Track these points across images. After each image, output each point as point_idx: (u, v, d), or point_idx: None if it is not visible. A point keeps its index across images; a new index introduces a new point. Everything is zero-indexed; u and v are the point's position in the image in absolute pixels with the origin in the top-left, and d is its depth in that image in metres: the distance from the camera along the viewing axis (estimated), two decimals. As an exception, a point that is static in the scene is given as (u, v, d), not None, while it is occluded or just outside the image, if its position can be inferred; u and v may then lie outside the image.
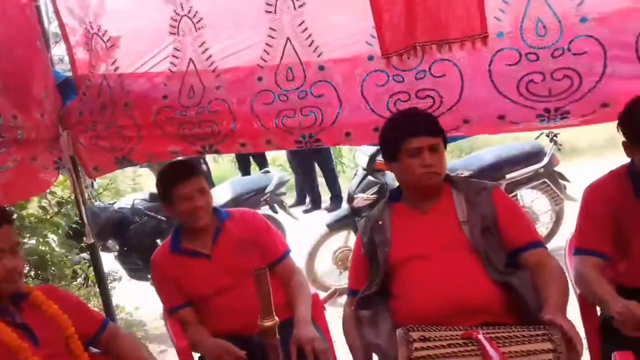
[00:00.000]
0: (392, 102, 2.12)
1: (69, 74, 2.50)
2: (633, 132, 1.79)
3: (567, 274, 1.89)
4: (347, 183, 7.89)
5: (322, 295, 2.56)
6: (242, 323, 2.15)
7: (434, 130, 1.91)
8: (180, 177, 2.19)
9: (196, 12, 2.23)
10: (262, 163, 6.79)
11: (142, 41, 2.36)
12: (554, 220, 4.27)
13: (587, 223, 1.94)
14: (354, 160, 8.74)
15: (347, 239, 4.18)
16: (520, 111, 2.01)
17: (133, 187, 7.50)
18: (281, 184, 4.64)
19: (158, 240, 4.19)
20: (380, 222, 2.01)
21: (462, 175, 3.68)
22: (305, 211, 6.45)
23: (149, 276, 4.21)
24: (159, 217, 4.14)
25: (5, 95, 2.14)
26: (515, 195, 4.15)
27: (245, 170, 6.92)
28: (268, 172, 5.00)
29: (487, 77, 1.98)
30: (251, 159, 7.10)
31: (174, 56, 2.30)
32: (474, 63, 1.98)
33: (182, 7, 2.23)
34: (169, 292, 2.29)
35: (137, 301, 4.29)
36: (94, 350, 1.91)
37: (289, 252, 2.37)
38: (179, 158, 2.49)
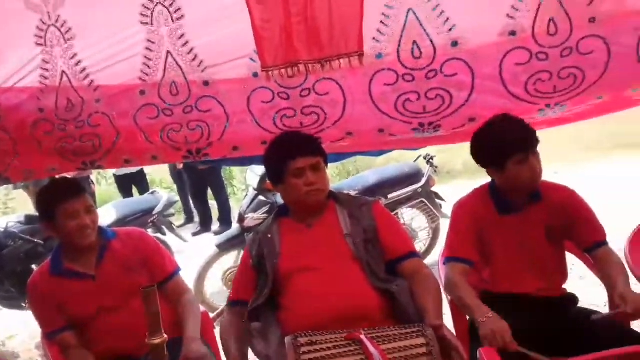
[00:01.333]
0: (278, 118, 2.17)
1: None
2: (479, 159, 2.04)
3: (440, 283, 2.03)
4: (237, 205, 7.88)
5: (212, 315, 2.53)
6: (128, 344, 2.09)
7: (315, 150, 2.01)
8: (66, 194, 2.09)
9: (64, 21, 2.10)
10: (144, 187, 6.57)
11: (6, 53, 2.19)
12: (431, 237, 4.54)
13: (455, 234, 2.12)
14: (245, 182, 8.79)
15: (237, 259, 4.15)
16: (397, 125, 2.15)
17: (4, 210, 6.96)
18: (169, 205, 4.52)
19: (33, 266, 3.94)
20: (269, 236, 2.06)
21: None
22: (195, 234, 6.33)
23: (24, 304, 3.94)
24: (35, 240, 3.86)
25: None
26: (397, 213, 4.36)
27: (126, 193, 6.66)
28: (156, 192, 4.85)
29: (367, 96, 2.10)
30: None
31: (43, 69, 2.17)
32: (355, 82, 2.08)
33: (48, 15, 2.09)
34: (49, 316, 2.16)
35: (11, 331, 4.03)
36: None
37: (179, 270, 2.33)
38: (62, 175, 2.37)
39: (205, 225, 6.42)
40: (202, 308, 2.35)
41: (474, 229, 2.07)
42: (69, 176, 2.43)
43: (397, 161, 4.85)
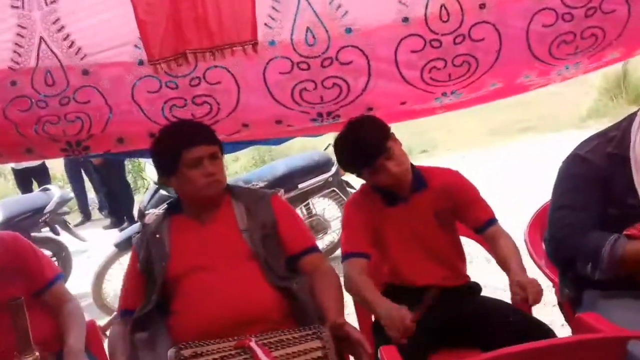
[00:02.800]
0: (167, 108, 2.02)
1: None
2: (343, 165, 2.05)
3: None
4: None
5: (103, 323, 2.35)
6: None
7: (211, 139, 1.89)
8: None
9: None
10: (44, 180, 6.18)
11: None
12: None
13: (349, 230, 2.07)
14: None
15: (139, 258, 3.95)
16: (295, 115, 2.07)
17: None
18: (63, 202, 4.22)
19: None
20: (157, 235, 1.93)
21: (248, 186, 3.71)
22: (107, 227, 6.13)
23: None
24: None
25: None
26: (308, 203, 4.31)
27: (25, 188, 6.26)
28: (48, 189, 4.51)
29: (262, 84, 1.99)
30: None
31: None
32: (248, 70, 1.97)
33: None
34: None
35: None
36: None
37: (60, 277, 2.13)
38: None
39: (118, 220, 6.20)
40: (87, 317, 2.16)
41: (366, 223, 2.02)
42: None
43: (314, 149, 4.78)
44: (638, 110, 1.75)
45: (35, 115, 2.00)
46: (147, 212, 3.81)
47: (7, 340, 1.77)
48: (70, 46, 1.92)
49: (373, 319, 2.00)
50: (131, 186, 7.57)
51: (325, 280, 1.89)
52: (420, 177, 2.04)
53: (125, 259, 3.89)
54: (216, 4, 1.83)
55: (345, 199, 4.46)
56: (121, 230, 5.62)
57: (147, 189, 8.30)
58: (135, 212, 3.95)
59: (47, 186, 4.66)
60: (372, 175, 1.96)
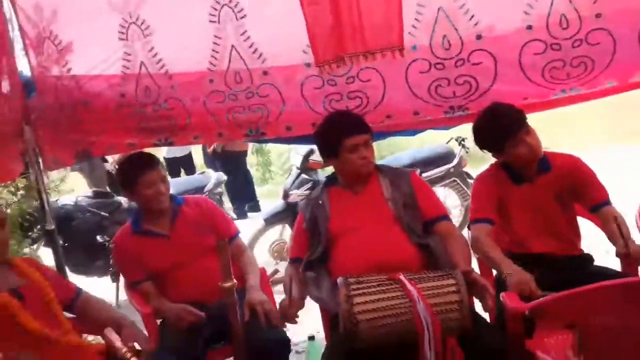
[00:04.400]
0: (327, 102, 2.52)
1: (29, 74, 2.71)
2: (481, 146, 2.37)
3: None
4: (275, 188, 8.27)
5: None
6: (198, 294, 2.45)
7: (366, 129, 2.31)
8: (144, 167, 2.47)
9: (143, 20, 2.50)
10: (190, 168, 7.00)
11: (93, 46, 2.60)
12: (463, 214, 4.80)
13: (477, 200, 2.43)
14: (281, 167, 9.19)
15: (282, 233, 4.54)
16: (430, 108, 2.48)
17: (58, 191, 7.47)
18: (218, 183, 4.92)
19: (98, 237, 4.35)
20: (320, 202, 2.39)
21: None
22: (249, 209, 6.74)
23: (89, 271, 4.39)
24: (101, 213, 4.30)
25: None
26: (431, 192, 4.65)
27: (175, 175, 7.08)
28: (205, 172, 5.28)
29: (404, 82, 2.43)
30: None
31: (125, 60, 2.57)
32: (393, 71, 2.42)
33: (130, 15, 2.49)
34: (131, 268, 2.55)
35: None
36: (69, 315, 2.16)
37: (239, 233, 2.70)
38: (138, 150, 2.76)
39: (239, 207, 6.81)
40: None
41: (493, 195, 2.37)
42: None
43: (431, 143, 5.13)
44: None
45: (227, 106, 2.58)
46: (290, 192, 4.38)
47: (206, 277, 2.38)
48: (254, 52, 2.47)
49: (494, 275, 2.35)
50: (260, 178, 8.26)
51: (456, 241, 2.25)
52: (546, 161, 2.35)
53: (271, 233, 4.52)
54: (370, 16, 2.28)
55: (465, 189, 4.77)
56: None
57: (272, 179, 9.11)
58: (280, 193, 4.51)
59: (205, 170, 5.44)
60: (511, 148, 2.26)
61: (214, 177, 4.99)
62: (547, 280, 2.10)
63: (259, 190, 7.41)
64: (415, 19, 2.29)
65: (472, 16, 2.25)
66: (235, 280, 2.13)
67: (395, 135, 2.82)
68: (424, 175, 4.66)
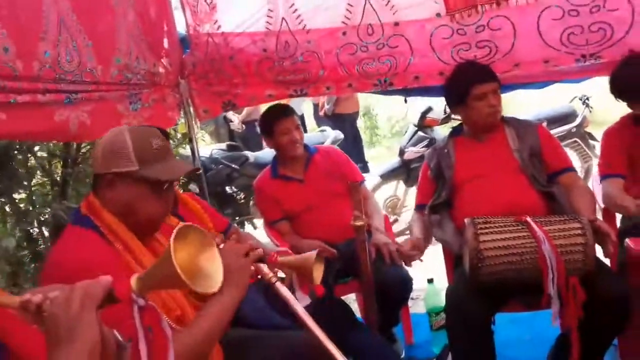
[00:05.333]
0: (455, 51, 2.60)
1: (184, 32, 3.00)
2: (621, 97, 2.32)
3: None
4: (381, 150, 8.39)
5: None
6: (328, 234, 2.68)
7: (494, 77, 2.37)
8: (281, 115, 2.73)
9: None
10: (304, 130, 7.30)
11: (240, 5, 2.82)
12: (583, 176, 4.68)
13: (607, 155, 2.43)
14: (390, 130, 9.29)
15: (396, 189, 4.70)
16: (562, 57, 2.49)
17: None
18: (336, 141, 5.14)
19: (227, 188, 4.73)
20: (446, 150, 2.50)
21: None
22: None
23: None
24: (233, 166, 4.66)
25: (148, 48, 2.68)
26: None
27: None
28: (324, 130, 5.52)
29: (535, 29, 2.46)
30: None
31: (268, 16, 2.77)
32: (525, 18, 2.45)
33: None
34: (270, 209, 2.84)
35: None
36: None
37: (364, 180, 2.90)
38: (276, 102, 3.01)
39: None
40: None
41: (622, 149, 2.36)
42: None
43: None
44: None
45: (358, 57, 2.73)
46: (406, 149, 4.51)
47: (337, 219, 2.59)
48: (387, 4, 2.59)
49: (618, 225, 2.37)
50: (367, 142, 8.41)
51: (580, 191, 2.29)
52: None
53: (386, 188, 4.69)
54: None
55: (587, 150, 4.64)
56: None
57: (380, 143, 9.23)
58: (397, 151, 4.65)
59: (324, 127, 5.69)
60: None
61: (332, 134, 5.22)
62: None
63: (366, 154, 7.61)
64: (549, -37, 2.31)
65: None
66: (366, 219, 2.31)
67: (523, 88, 2.83)
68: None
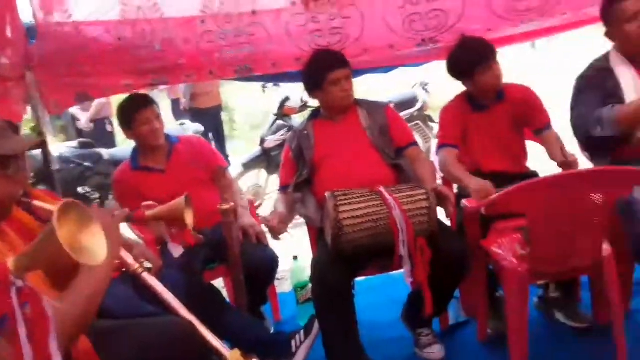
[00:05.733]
0: (310, 38, 2.75)
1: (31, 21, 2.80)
2: (454, 74, 2.62)
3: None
4: (240, 143, 8.44)
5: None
6: (194, 221, 2.68)
7: (347, 64, 2.56)
8: (140, 104, 2.68)
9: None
10: None
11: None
12: (426, 154, 5.16)
13: (444, 128, 2.74)
14: (247, 122, 9.37)
15: (258, 177, 4.80)
16: (404, 41, 2.75)
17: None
18: (196, 134, 5.10)
19: (79, 188, 4.50)
20: (305, 132, 2.65)
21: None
22: None
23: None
24: (84, 164, 4.43)
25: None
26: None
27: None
28: (183, 124, 5.45)
29: (381, 18, 2.69)
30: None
31: (123, 4, 2.70)
32: (372, 6, 2.66)
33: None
34: (130, 202, 2.75)
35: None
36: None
37: (228, 166, 2.95)
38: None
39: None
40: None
41: (457, 123, 2.68)
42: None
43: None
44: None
45: (217, 45, 2.77)
46: (266, 138, 4.63)
47: (201, 206, 2.56)
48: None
49: (455, 191, 2.67)
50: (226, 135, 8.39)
51: (423, 163, 2.57)
52: (501, 91, 2.67)
53: (248, 176, 4.77)
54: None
55: (427, 131, 5.12)
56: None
57: (236, 131, 9.26)
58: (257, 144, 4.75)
59: (183, 121, 5.61)
60: (482, 75, 2.54)
61: (191, 127, 5.17)
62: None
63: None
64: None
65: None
66: (232, 203, 2.39)
67: (371, 72, 3.07)
68: (392, 118, 4.97)
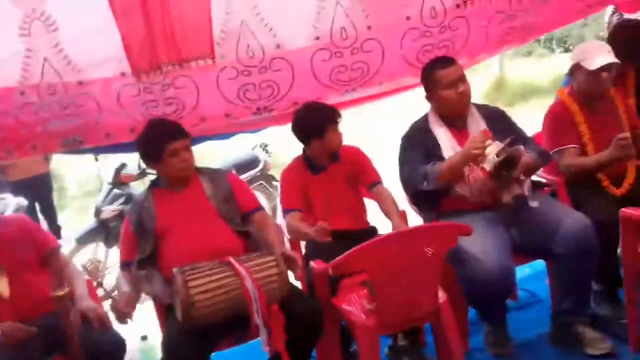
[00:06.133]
0: (144, 108, 2.68)
1: None
2: (299, 138, 2.79)
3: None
4: (71, 213, 7.88)
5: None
6: (23, 309, 2.39)
7: (185, 134, 2.54)
8: None
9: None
10: None
11: None
12: (272, 214, 5.23)
13: (285, 192, 2.83)
14: (81, 189, 8.76)
15: (95, 251, 4.47)
16: (240, 110, 2.80)
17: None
18: (19, 208, 4.65)
19: None
20: (145, 204, 2.56)
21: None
22: None
23: None
24: None
25: None
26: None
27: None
28: (3, 199, 4.91)
29: (216, 87, 2.71)
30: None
31: None
32: (205, 77, 2.67)
33: None
34: None
35: None
36: None
37: (60, 246, 2.73)
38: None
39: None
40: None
41: (297, 185, 2.79)
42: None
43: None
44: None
45: (40, 117, 2.57)
46: (102, 209, 4.35)
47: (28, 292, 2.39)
48: (68, 64, 2.50)
49: (303, 252, 2.77)
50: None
51: (270, 227, 2.59)
52: (336, 152, 2.84)
53: (84, 252, 4.42)
54: (182, 27, 2.51)
55: (271, 190, 5.21)
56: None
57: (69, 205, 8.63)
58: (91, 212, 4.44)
59: (3, 195, 5.03)
60: (331, 135, 2.70)
61: (13, 202, 4.69)
62: (345, 251, 2.43)
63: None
64: (222, 30, 2.58)
65: (271, 29, 2.61)
66: (68, 289, 2.22)
67: (211, 139, 3.07)
68: (234, 180, 4.98)
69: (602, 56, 2.74)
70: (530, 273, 3.33)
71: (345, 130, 2.80)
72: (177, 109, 2.73)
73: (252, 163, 5.16)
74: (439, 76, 2.65)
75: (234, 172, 3.26)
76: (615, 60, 2.75)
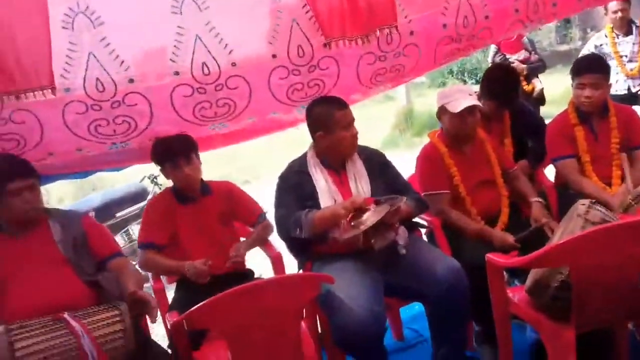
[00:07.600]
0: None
1: None
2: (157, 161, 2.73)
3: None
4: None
5: None
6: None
7: (30, 173, 2.29)
8: None
9: None
10: None
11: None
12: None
13: (145, 225, 2.73)
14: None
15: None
16: (93, 145, 2.61)
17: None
18: None
19: None
20: None
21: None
22: None
23: None
24: None
25: None
26: (127, 230, 4.71)
27: None
28: None
29: (62, 122, 2.48)
30: None
31: None
32: (49, 111, 2.43)
33: None
34: None
35: None
36: None
37: None
38: None
39: None
40: None
41: (161, 218, 2.66)
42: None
43: (125, 181, 5.20)
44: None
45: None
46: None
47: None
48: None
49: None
50: None
51: (127, 272, 2.38)
52: (207, 186, 2.77)
53: None
54: (19, 58, 2.25)
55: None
56: None
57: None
58: None
59: None
60: (172, 171, 2.64)
61: None
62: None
63: None
64: (66, 62, 2.35)
65: (123, 61, 2.41)
66: None
67: (64, 178, 2.90)
68: (119, 214, 4.71)
69: (463, 100, 2.79)
70: (420, 310, 3.25)
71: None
72: (18, 145, 2.48)
73: (140, 195, 4.89)
74: (339, 116, 2.58)
75: (92, 214, 3.00)
76: (477, 102, 2.83)
